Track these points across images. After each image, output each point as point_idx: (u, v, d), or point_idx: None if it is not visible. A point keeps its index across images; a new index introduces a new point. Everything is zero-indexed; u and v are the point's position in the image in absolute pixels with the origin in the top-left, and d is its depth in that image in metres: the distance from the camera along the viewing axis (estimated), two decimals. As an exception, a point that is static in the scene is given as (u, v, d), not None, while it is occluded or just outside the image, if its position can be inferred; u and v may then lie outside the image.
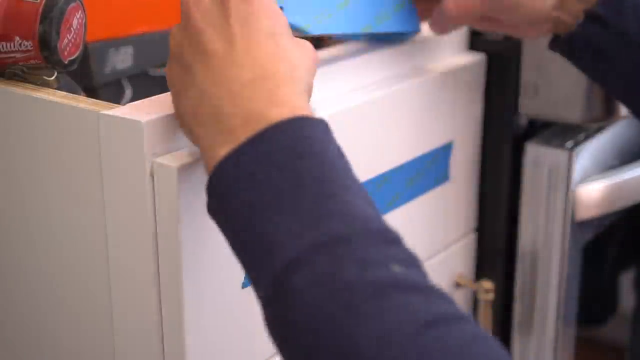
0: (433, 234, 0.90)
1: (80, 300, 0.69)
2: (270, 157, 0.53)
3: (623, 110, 0.89)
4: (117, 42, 0.94)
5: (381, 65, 0.81)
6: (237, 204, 0.53)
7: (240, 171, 0.53)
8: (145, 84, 0.98)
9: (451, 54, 0.90)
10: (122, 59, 0.95)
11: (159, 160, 0.61)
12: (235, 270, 0.66)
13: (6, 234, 0.72)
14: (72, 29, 0.69)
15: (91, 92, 0.92)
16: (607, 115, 0.89)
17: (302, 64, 0.58)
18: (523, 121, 0.94)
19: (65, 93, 0.68)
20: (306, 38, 0.62)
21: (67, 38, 0.68)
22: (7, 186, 0.70)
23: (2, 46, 0.68)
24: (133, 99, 0.90)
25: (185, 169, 0.60)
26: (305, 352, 0.49)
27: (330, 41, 0.96)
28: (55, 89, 0.69)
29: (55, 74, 0.70)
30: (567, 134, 0.93)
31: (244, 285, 0.67)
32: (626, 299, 1.40)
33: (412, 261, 0.51)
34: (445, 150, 0.88)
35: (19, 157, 0.69)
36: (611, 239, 1.25)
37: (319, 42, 0.96)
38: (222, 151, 0.54)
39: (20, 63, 0.69)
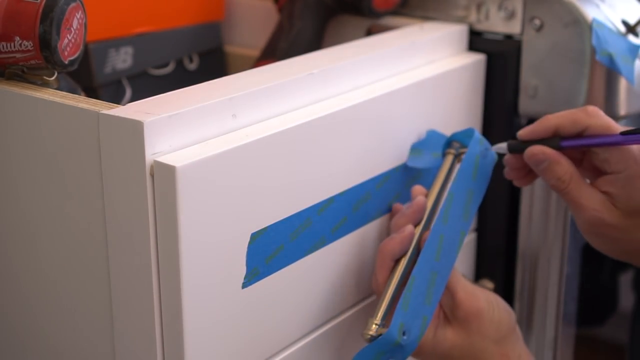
0: (433, 233, 0.90)
1: (79, 300, 0.69)
2: None
3: (623, 110, 0.89)
4: (117, 42, 0.94)
5: (381, 65, 0.81)
6: None
7: None
8: (145, 84, 0.98)
9: (451, 54, 0.90)
10: (122, 59, 0.95)
11: (159, 160, 0.61)
12: (235, 270, 0.66)
13: (5, 233, 0.72)
14: (72, 29, 0.69)
15: (91, 92, 0.92)
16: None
17: None
18: (523, 121, 0.94)
19: (65, 93, 0.68)
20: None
21: (67, 38, 0.68)
22: (7, 186, 0.70)
23: (2, 46, 0.68)
24: (133, 99, 0.90)
25: (185, 169, 0.60)
26: None
27: (330, 42, 0.96)
28: (55, 89, 0.69)
29: (56, 74, 0.70)
30: (567, 134, 0.93)
31: (244, 285, 0.67)
32: (625, 299, 1.40)
33: None
34: (445, 150, 0.88)
35: (19, 157, 0.69)
36: (611, 238, 1.25)
37: (319, 43, 0.96)
38: None
39: (21, 63, 0.69)
